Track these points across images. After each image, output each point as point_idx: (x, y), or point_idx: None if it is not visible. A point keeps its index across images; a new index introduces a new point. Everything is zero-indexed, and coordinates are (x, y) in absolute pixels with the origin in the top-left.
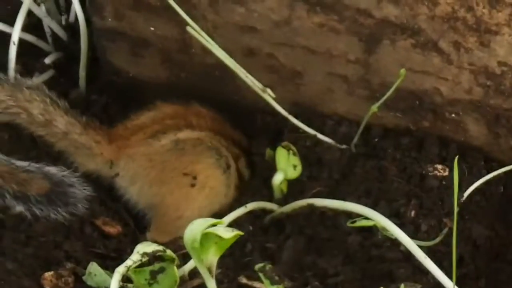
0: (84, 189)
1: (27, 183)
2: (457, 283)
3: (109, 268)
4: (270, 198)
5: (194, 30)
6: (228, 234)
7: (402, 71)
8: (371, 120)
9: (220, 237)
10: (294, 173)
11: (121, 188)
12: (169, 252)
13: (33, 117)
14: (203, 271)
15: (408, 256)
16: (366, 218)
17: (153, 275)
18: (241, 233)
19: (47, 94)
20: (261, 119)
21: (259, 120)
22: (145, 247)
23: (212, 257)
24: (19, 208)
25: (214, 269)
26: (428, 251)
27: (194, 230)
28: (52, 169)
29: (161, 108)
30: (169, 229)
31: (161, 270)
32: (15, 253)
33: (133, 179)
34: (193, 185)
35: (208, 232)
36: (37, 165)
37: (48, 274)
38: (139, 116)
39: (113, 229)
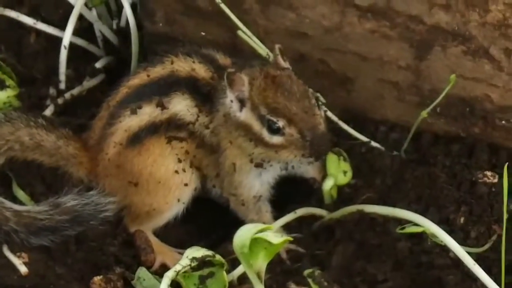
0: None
1: None
2: None
3: (158, 273)
4: (320, 204)
5: (246, 34)
6: (278, 239)
7: (452, 77)
8: (422, 127)
9: (269, 242)
10: (344, 179)
11: None
12: (218, 257)
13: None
14: (252, 276)
15: (457, 262)
16: (416, 224)
17: (202, 280)
18: (290, 238)
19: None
20: None
21: None
22: (194, 252)
23: (261, 262)
24: None
25: (263, 274)
26: (477, 258)
27: (243, 235)
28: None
29: None
30: None
31: (211, 275)
32: (64, 258)
33: None
34: None
35: (258, 238)
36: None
37: (97, 279)
38: None
39: None
